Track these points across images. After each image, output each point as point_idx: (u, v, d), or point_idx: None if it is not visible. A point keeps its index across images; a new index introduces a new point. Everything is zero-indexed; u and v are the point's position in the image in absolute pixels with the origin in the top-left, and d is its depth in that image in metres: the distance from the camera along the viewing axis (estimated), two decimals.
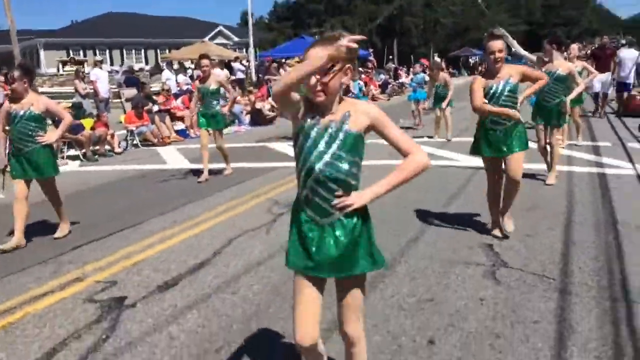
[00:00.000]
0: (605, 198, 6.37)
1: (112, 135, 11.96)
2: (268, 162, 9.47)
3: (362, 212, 2.24)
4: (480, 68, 45.33)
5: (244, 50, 43.17)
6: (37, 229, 5.93)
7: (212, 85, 8.04)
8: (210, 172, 8.33)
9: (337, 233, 2.20)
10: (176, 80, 17.45)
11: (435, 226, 5.49)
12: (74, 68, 49.58)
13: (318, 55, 2.02)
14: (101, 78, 15.22)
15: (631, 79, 14.18)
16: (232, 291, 4.07)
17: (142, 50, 58.27)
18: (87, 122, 11.98)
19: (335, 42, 2.03)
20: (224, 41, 53.30)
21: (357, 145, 2.19)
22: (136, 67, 52.54)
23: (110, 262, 4.77)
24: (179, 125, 14.20)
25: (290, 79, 2.05)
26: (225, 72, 19.62)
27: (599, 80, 13.09)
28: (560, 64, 6.87)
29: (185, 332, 3.46)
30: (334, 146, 2.15)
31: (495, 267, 4.39)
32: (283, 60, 23.90)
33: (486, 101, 4.72)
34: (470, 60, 49.39)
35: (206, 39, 56.35)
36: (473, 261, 4.49)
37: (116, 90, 17.12)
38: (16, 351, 3.30)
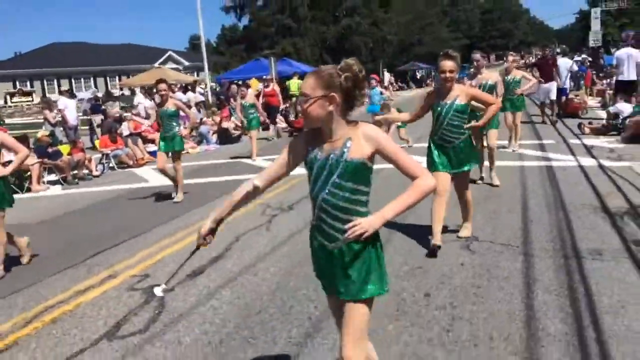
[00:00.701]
0: (553, 186, 7.37)
1: (90, 160, 12.39)
2: (248, 174, 10.16)
3: (372, 237, 2.26)
4: (427, 81, 47.37)
5: (196, 74, 43.64)
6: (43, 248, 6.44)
7: (170, 107, 8.13)
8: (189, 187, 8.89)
9: (345, 259, 2.27)
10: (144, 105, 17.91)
11: (416, 216, 6.32)
12: (22, 99, 48.57)
13: (303, 87, 2.21)
14: (69, 106, 15.56)
15: (567, 85, 15.60)
16: (253, 273, 4.78)
17: (91, 79, 57.79)
18: (64, 149, 12.39)
19: (317, 74, 2.20)
20: (175, 65, 53.48)
21: (360, 172, 2.21)
22: (84, 95, 52.10)
23: (135, 262, 5.38)
24: (151, 147, 14.69)
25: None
26: (194, 94, 20.21)
27: (544, 90, 13.77)
28: (489, 75, 7.37)
29: (225, 303, 4.15)
30: (334, 175, 2.20)
31: (468, 241, 5.25)
32: (240, 82, 24.60)
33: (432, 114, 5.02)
34: (417, 73, 51.39)
35: (156, 64, 56.58)
36: (449, 239, 5.32)
37: (83, 117, 17.45)
38: (85, 327, 3.92)
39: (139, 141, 14.22)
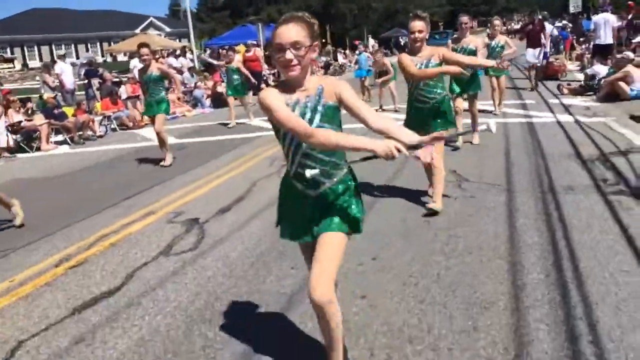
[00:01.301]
0: (533, 138, 8.14)
1: (93, 121, 12.92)
2: (249, 133, 10.81)
3: (350, 177, 2.41)
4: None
5: (178, 40, 43.59)
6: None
7: (154, 72, 8.03)
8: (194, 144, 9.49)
9: (328, 200, 2.34)
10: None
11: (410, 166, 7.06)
12: (4, 66, 47.96)
13: (289, 33, 2.17)
14: (66, 71, 15.92)
15: (548, 48, 16.35)
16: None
17: (72, 45, 57.05)
18: (69, 110, 12.88)
19: (303, 22, 2.20)
20: (157, 32, 53.14)
21: (336, 115, 2.32)
22: (67, 62, 51.50)
23: (167, 202, 6.08)
24: None
25: (339, 145, 2.20)
26: (186, 60, 20.53)
27: (532, 54, 14.03)
28: (471, 40, 7.62)
29: (259, 229, 4.89)
30: (316, 119, 2.26)
31: (459, 182, 6.02)
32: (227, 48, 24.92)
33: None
34: (400, 40, 51.68)
35: (137, 30, 56.17)
36: (446, 180, 6.08)
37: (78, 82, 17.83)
38: (142, 248, 4.64)
39: (138, 103, 14.71)
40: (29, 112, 12.35)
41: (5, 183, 8.04)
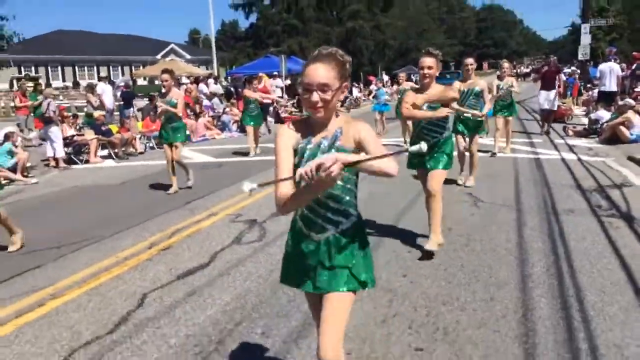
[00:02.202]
0: (540, 171, 9.17)
1: (135, 139, 14.06)
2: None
3: (358, 227, 2.30)
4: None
5: (198, 67, 45.26)
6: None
7: (173, 98, 8.10)
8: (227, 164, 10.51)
9: (332, 249, 2.24)
10: None
11: None
12: (29, 84, 49.92)
13: (317, 72, 2.09)
14: (107, 92, 17.18)
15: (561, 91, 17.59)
16: None
17: (94, 67, 58.75)
18: (113, 128, 14.04)
19: (334, 62, 2.11)
20: (177, 58, 54.85)
21: None
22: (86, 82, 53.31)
23: (225, 207, 7.11)
24: None
25: (289, 202, 2.14)
26: (216, 86, 21.77)
27: (546, 97, 14.25)
28: (476, 81, 7.80)
29: None
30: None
31: (475, 202, 7.04)
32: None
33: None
34: (412, 77, 53.35)
35: (158, 56, 58.03)
36: (462, 199, 7.10)
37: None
38: (214, 239, 5.66)
39: None
40: (77, 127, 13.51)
41: (72, 189, 9.12)
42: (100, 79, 18.70)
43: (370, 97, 24.29)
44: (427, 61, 4.73)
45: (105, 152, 13.27)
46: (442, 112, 4.89)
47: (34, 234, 5.96)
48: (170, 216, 6.76)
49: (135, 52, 57.93)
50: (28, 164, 11.01)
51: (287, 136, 2.23)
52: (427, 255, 4.90)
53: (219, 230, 6.01)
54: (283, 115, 19.67)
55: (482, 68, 78.64)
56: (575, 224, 5.92)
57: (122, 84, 20.82)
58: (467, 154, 8.16)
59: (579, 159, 10.19)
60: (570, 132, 13.97)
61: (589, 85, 23.61)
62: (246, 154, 12.25)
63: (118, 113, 19.17)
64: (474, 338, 3.42)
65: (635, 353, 3.18)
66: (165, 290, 4.31)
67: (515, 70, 71.06)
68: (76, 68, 56.67)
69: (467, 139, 8.03)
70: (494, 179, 8.48)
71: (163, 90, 8.32)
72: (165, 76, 8.11)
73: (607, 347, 3.25)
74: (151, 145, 14.74)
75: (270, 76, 24.97)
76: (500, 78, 10.68)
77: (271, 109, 19.85)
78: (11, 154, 10.54)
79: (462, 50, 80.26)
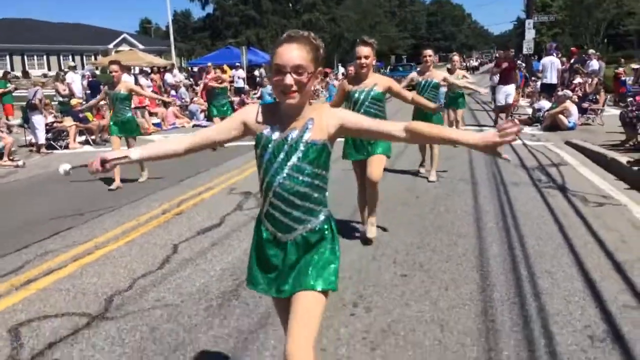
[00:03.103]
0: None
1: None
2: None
3: (329, 230, 2.14)
4: None
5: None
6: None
7: (121, 90, 7.91)
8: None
9: (300, 250, 2.09)
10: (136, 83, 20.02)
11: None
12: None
13: (292, 54, 1.94)
14: (76, 81, 17.59)
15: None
16: None
17: (44, 57, 57.53)
18: (89, 115, 14.56)
19: (309, 44, 1.98)
20: (129, 48, 54.43)
21: (321, 156, 2.05)
22: (38, 72, 52.56)
23: (219, 182, 7.98)
24: (154, 120, 17.01)
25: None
26: (182, 76, 22.29)
27: (504, 92, 14.30)
28: (435, 74, 7.70)
29: None
30: (294, 158, 2.02)
31: (437, 177, 8.16)
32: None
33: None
34: None
35: (111, 45, 57.35)
36: (425, 176, 8.19)
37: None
38: (219, 207, 6.55)
39: (146, 113, 16.52)
40: (54, 115, 13.98)
41: (54, 173, 9.76)
42: (69, 67, 19.04)
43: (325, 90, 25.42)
44: (364, 50, 4.63)
45: (82, 139, 13.81)
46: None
47: (51, 205, 6.71)
48: (173, 190, 7.60)
49: (87, 41, 57.03)
50: (13, 149, 11.51)
51: (247, 112, 2.12)
52: (369, 241, 5.04)
53: (220, 200, 6.91)
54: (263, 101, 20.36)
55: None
56: (519, 192, 7.10)
57: (88, 73, 21.14)
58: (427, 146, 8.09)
59: (524, 144, 11.48)
60: (516, 121, 15.34)
61: (532, 78, 25.34)
62: None
63: (85, 101, 19.61)
64: (443, 268, 4.49)
65: (561, 277, 4.30)
66: (191, 241, 5.21)
67: (464, 64, 73.66)
68: (25, 57, 55.29)
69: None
70: (451, 160, 9.64)
71: (111, 82, 8.11)
72: (114, 67, 7.91)
73: (541, 273, 4.36)
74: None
75: (232, 67, 25.61)
76: (450, 72, 10.82)
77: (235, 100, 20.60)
78: None
79: (413, 43, 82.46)
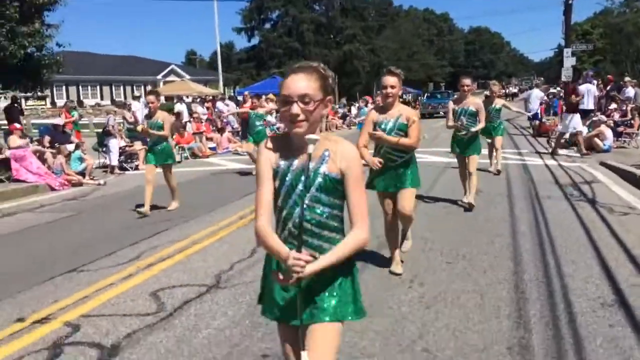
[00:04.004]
0: (526, 172, 11.23)
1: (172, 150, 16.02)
2: None
3: (347, 260, 2.09)
4: (414, 104, 51.86)
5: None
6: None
7: (159, 120, 7.99)
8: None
9: (316, 279, 2.04)
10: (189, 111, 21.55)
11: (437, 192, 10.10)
12: (37, 103, 51.58)
13: (298, 84, 1.99)
14: (139, 109, 19.17)
15: (538, 110, 19.86)
16: None
17: (98, 87, 60.46)
18: None
19: (316, 74, 2.02)
20: (177, 79, 56.96)
21: (338, 187, 2.06)
22: (92, 102, 55.34)
23: None
24: (210, 144, 18.41)
25: (264, 246, 2.09)
26: (233, 104, 23.77)
27: (578, 121, 14.17)
28: (472, 101, 7.65)
29: None
30: (312, 189, 2.04)
31: (476, 192, 9.04)
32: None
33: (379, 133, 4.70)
34: (404, 97, 55.80)
35: (159, 76, 60.01)
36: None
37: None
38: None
39: (203, 138, 17.92)
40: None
41: (132, 190, 11.03)
42: (133, 97, 20.71)
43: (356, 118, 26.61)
44: (390, 80, 4.62)
45: None
46: (404, 142, 4.72)
47: (135, 216, 7.92)
48: (236, 204, 8.68)
49: (137, 72, 59.83)
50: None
51: (266, 156, 2.11)
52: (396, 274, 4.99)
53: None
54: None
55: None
56: (552, 205, 7.94)
57: (145, 102, 22.83)
58: (466, 173, 7.87)
59: (559, 164, 12.27)
60: (553, 144, 16.09)
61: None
62: None
63: None
64: (482, 259, 5.40)
65: (583, 265, 5.13)
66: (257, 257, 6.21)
67: (504, 91, 73.92)
68: (80, 87, 58.34)
69: (466, 160, 7.81)
70: (489, 178, 10.51)
71: (148, 112, 8.21)
72: (151, 97, 8.09)
73: (566, 262, 5.22)
74: (186, 155, 16.72)
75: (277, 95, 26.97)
76: (489, 100, 10.76)
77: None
78: (81, 160, 12.45)
79: (452, 72, 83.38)
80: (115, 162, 13.76)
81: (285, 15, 47.42)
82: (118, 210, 8.71)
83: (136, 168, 14.40)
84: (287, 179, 2.05)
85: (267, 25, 47.28)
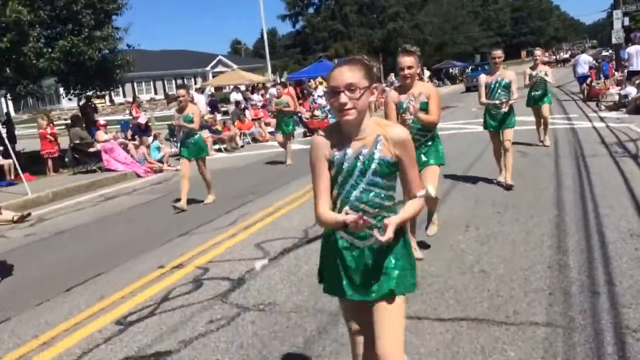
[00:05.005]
0: (574, 134, 11.80)
1: (236, 136, 17.27)
2: None
3: (401, 234, 2.25)
4: (461, 77, 51.39)
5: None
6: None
7: (189, 114, 8.04)
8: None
9: (377, 255, 2.21)
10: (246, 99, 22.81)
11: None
12: (98, 101, 54.46)
13: (344, 75, 2.10)
14: (201, 100, 20.53)
15: (587, 73, 20.09)
16: None
17: (151, 82, 62.67)
18: (219, 128, 17.29)
19: (359, 64, 2.13)
20: (225, 69, 58.48)
21: (392, 170, 2.20)
22: (147, 97, 57.55)
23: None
24: (269, 128, 19.58)
25: (327, 225, 2.21)
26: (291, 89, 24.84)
27: None
28: (504, 73, 7.37)
29: None
30: (369, 173, 2.16)
31: (523, 154, 9.75)
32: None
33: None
34: (450, 71, 55.56)
35: (208, 67, 61.71)
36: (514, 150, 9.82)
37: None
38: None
39: (262, 123, 19.12)
40: None
41: (212, 171, 12.22)
42: (196, 90, 22.12)
43: None
44: (407, 61, 4.50)
45: (216, 147, 16.49)
46: (425, 118, 4.67)
47: (224, 191, 9.06)
48: (308, 177, 9.68)
49: (186, 65, 61.68)
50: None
51: (320, 146, 2.22)
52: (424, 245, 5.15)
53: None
54: (305, 119, 19.72)
55: (520, 56, 79.91)
56: (596, 161, 8.60)
57: (210, 93, 24.25)
58: (501, 150, 7.60)
59: (607, 126, 12.73)
60: (602, 107, 16.44)
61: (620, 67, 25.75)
62: None
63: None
64: (528, 208, 6.23)
65: (619, 209, 5.88)
66: (287, 240, 6.22)
67: (554, 57, 71.94)
68: (134, 84, 60.79)
69: (501, 134, 7.50)
70: (537, 141, 11.17)
71: (180, 106, 8.23)
72: (182, 91, 8.18)
73: (603, 207, 5.96)
74: (247, 140, 17.94)
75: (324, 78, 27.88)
76: (533, 67, 10.58)
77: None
78: (159, 149, 13.81)
79: (498, 41, 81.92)
80: None
81: None
82: (201, 190, 9.90)
83: None
84: (343, 166, 2.18)
85: (311, 10, 48.16)
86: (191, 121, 8.05)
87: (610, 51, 34.27)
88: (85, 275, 5.38)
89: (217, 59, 63.72)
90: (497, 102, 7.20)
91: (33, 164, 13.36)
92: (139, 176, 12.53)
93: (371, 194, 2.17)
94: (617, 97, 18.51)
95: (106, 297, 4.72)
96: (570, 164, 8.62)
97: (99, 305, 4.56)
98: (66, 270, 5.71)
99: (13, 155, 11.40)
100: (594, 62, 23.58)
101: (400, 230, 2.22)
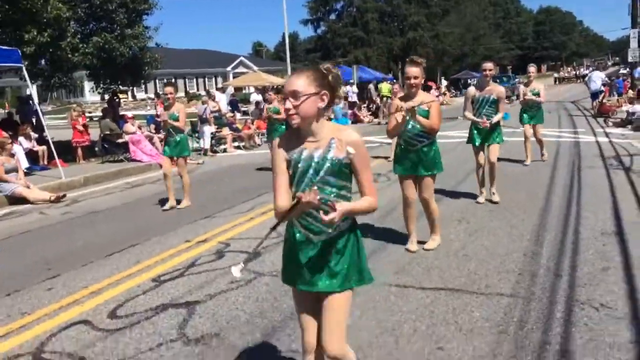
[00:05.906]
0: (576, 148, 12.40)
1: (254, 134, 18.07)
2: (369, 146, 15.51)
3: (352, 230, 2.42)
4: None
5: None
6: None
7: (175, 112, 8.02)
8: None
9: (328, 249, 2.38)
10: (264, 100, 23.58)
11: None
12: (121, 96, 55.70)
13: (289, 82, 2.26)
14: (222, 99, 21.36)
15: (600, 89, 20.64)
16: None
17: (173, 80, 63.53)
18: (239, 126, 18.08)
19: (309, 72, 2.28)
20: (245, 70, 59.45)
21: (344, 171, 2.34)
22: (219, 93, 58.55)
23: None
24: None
25: (284, 213, 2.28)
26: None
27: None
28: (494, 89, 7.15)
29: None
30: (321, 173, 2.32)
31: (523, 162, 10.37)
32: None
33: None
34: (469, 81, 55.94)
35: (229, 68, 62.68)
36: (512, 160, 10.47)
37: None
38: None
39: None
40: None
41: (226, 167, 13.01)
42: (217, 89, 22.97)
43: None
44: (414, 71, 4.79)
45: (236, 144, 17.29)
46: (424, 122, 4.90)
47: (239, 184, 9.82)
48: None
49: (208, 65, 62.72)
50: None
51: (279, 148, 2.40)
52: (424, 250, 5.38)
53: None
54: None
55: (540, 70, 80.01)
56: (590, 172, 9.21)
57: (231, 92, 25.11)
58: (486, 167, 7.39)
59: (610, 141, 13.30)
60: (610, 123, 16.98)
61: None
62: None
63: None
64: (517, 207, 6.88)
65: (601, 213, 6.52)
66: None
67: (575, 72, 71.85)
68: (157, 81, 61.91)
69: (486, 149, 7.36)
70: (536, 152, 11.75)
71: (167, 104, 8.19)
72: (169, 89, 8.06)
73: (585, 211, 6.62)
74: (265, 139, 18.71)
75: (346, 83, 28.68)
76: (526, 84, 10.67)
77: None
78: None
79: (519, 54, 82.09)
80: (207, 146, 15.89)
81: (349, 5, 49.03)
82: (221, 181, 10.75)
83: (224, 151, 16.51)
84: (299, 166, 2.34)
85: (332, 16, 49.07)
86: (176, 119, 8.01)
87: (627, 69, 34.70)
88: (121, 246, 6.17)
89: (239, 59, 64.70)
90: (479, 120, 7.02)
91: (63, 152, 14.25)
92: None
93: (324, 192, 2.30)
94: (625, 114, 19.07)
95: (142, 262, 5.51)
96: (566, 173, 9.24)
97: (136, 267, 5.34)
98: (103, 242, 6.49)
99: (51, 142, 12.29)
100: (607, 79, 24.09)
101: (353, 229, 2.42)
